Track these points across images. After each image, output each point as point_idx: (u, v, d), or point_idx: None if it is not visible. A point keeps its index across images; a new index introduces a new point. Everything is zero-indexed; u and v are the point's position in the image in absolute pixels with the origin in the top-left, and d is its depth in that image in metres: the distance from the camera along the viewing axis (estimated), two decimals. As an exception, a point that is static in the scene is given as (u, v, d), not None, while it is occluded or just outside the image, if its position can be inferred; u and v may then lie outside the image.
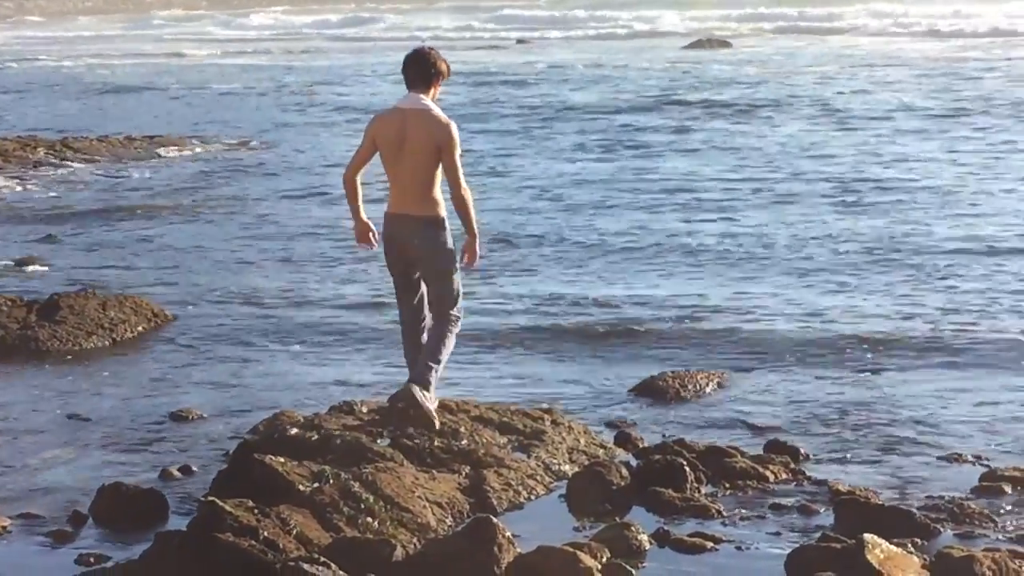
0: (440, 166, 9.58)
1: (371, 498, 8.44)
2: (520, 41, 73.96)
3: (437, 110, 9.67)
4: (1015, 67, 44.92)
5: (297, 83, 46.47)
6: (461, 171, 9.60)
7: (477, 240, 9.78)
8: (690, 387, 11.98)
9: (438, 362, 9.82)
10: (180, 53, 66.97)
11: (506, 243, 18.61)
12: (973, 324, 13.95)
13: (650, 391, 11.93)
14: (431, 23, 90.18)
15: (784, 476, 9.66)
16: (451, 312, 9.85)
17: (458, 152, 9.56)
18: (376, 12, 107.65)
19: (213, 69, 55.43)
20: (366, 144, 9.83)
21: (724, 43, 66.17)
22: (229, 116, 37.14)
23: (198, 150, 30.06)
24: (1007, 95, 35.90)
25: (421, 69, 9.72)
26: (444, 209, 9.72)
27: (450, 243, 9.76)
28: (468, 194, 9.65)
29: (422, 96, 9.67)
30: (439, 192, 9.70)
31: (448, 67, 9.85)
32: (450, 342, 9.90)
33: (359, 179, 9.90)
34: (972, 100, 34.64)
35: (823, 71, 45.83)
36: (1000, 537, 8.47)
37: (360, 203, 9.90)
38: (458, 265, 9.87)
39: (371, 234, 9.94)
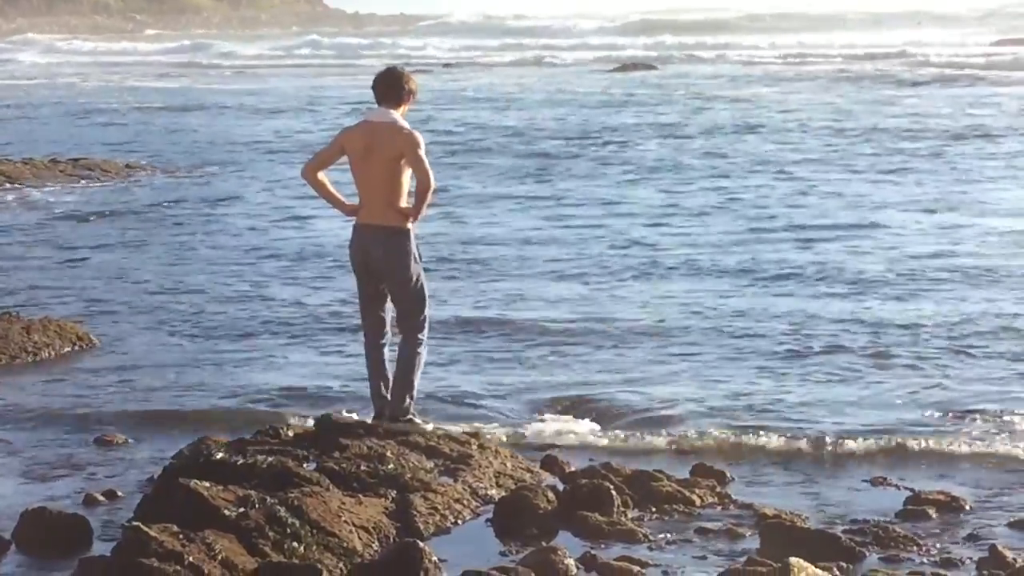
0: (406, 175, 9.87)
1: (297, 523, 8.39)
2: (447, 65, 74.24)
3: (402, 122, 9.95)
4: (935, 92, 45.77)
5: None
6: (429, 168, 9.81)
7: (418, 216, 9.94)
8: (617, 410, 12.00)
9: (412, 389, 10.19)
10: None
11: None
12: (901, 340, 14.09)
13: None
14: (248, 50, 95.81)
15: (710, 500, 9.69)
16: (418, 324, 10.07)
17: (423, 151, 9.82)
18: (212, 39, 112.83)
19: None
20: (332, 148, 10.19)
21: (650, 66, 66.73)
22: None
23: (122, 173, 29.94)
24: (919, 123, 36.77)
25: (392, 86, 10.07)
26: (410, 220, 9.92)
27: (414, 253, 9.97)
28: (432, 186, 9.83)
29: (391, 111, 9.97)
30: (405, 203, 9.93)
31: (417, 87, 10.22)
32: (420, 362, 10.21)
33: (323, 176, 10.16)
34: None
35: (743, 94, 46.67)
36: (925, 561, 8.52)
37: (334, 191, 10.18)
38: (422, 276, 10.07)
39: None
